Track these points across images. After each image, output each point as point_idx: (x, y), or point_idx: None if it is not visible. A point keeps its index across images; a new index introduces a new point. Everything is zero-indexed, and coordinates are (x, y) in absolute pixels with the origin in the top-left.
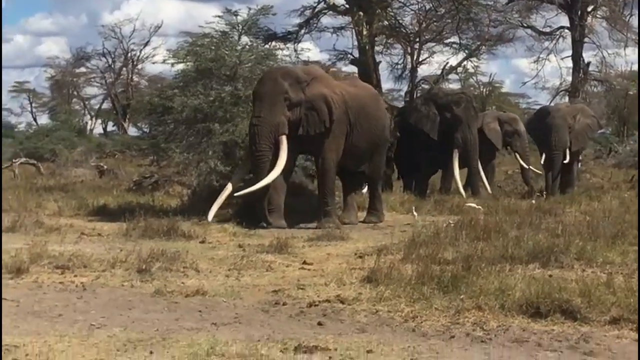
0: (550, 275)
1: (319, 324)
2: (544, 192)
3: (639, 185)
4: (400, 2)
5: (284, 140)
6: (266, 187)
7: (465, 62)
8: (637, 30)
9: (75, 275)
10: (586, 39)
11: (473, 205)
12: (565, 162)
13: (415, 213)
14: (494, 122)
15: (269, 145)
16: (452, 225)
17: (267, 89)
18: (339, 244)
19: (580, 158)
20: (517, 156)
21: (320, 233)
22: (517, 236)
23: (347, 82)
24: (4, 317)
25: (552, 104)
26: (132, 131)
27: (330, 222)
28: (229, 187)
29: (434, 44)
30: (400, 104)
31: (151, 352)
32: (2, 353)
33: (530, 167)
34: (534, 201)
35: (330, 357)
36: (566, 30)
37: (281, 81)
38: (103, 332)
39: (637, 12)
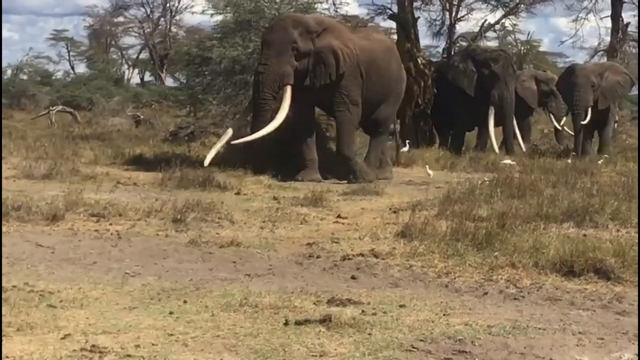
0: (585, 235)
1: (353, 277)
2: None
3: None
4: None
5: (288, 90)
6: (265, 136)
7: (503, 20)
8: None
9: (111, 224)
10: None
11: (509, 162)
12: (583, 122)
13: (429, 171)
14: (529, 81)
15: (272, 95)
16: (487, 182)
17: (276, 37)
18: (374, 198)
19: (617, 119)
20: (552, 117)
21: (355, 187)
22: (552, 195)
23: (362, 34)
24: (39, 263)
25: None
26: (169, 82)
27: (364, 174)
28: (229, 132)
29: (472, 0)
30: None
31: (185, 302)
32: (38, 299)
33: (564, 127)
34: (569, 160)
35: (363, 311)
36: None
37: (291, 30)
38: (137, 280)
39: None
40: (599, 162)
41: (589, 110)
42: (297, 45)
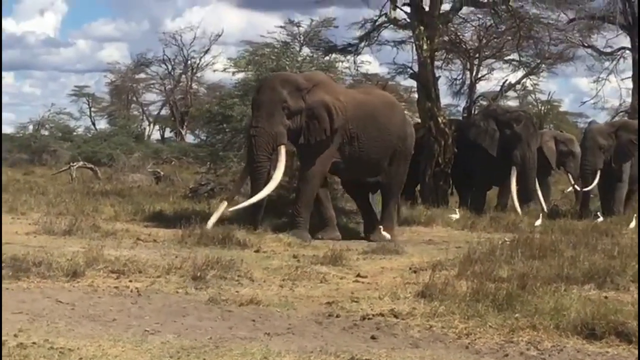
0: (606, 297)
1: (372, 337)
2: (594, 213)
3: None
4: (461, 17)
5: (282, 150)
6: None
7: (524, 80)
8: None
9: (130, 281)
10: None
11: (539, 222)
12: (589, 187)
13: (385, 233)
14: (550, 141)
15: (267, 156)
16: (508, 242)
17: (266, 97)
18: (394, 257)
19: None
20: (570, 177)
21: (375, 246)
22: (572, 256)
23: (362, 89)
24: (59, 320)
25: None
26: (189, 138)
27: (297, 235)
28: (224, 204)
29: (493, 60)
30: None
31: None
32: (57, 356)
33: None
34: (600, 219)
35: None
36: (627, 51)
37: (280, 89)
38: (157, 338)
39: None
40: (632, 225)
41: (597, 172)
42: (287, 104)
